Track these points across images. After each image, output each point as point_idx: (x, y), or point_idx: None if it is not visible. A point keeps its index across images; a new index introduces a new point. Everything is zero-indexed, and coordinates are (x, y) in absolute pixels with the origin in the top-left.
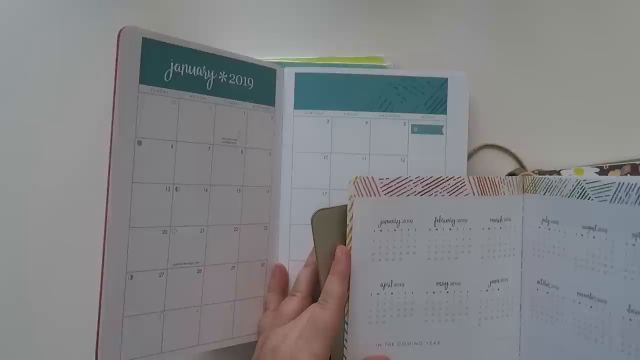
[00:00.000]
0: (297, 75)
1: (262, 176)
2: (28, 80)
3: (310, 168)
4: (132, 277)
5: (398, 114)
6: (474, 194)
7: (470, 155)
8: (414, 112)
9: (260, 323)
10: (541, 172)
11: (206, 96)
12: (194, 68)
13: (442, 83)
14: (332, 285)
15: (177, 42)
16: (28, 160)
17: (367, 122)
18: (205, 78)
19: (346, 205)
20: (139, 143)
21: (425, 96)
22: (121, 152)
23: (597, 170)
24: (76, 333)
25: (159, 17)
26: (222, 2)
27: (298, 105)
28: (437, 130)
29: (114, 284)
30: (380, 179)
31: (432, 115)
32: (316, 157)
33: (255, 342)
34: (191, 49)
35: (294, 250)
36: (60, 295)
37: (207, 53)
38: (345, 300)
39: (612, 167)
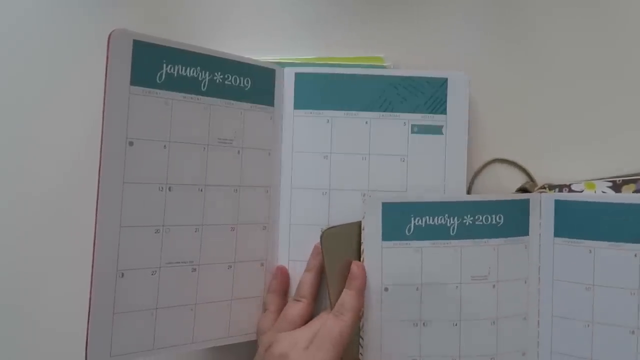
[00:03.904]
0: (297, 75)
1: (260, 176)
2: (20, 80)
3: (310, 168)
4: (122, 274)
5: (398, 114)
6: None
7: (479, 171)
8: (413, 112)
9: (260, 324)
10: (550, 187)
11: (201, 97)
12: (188, 69)
13: (442, 83)
14: (349, 299)
15: (170, 44)
16: (20, 160)
17: (367, 122)
18: (200, 79)
19: (356, 223)
20: (130, 144)
21: (425, 96)
22: (112, 153)
23: (610, 184)
24: (70, 333)
25: (157, 19)
26: (221, 2)
27: (298, 105)
28: (437, 130)
29: (104, 282)
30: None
31: (431, 115)
32: (316, 157)
33: (253, 342)
34: (184, 50)
35: (294, 251)
36: (55, 296)
37: (201, 54)
38: (360, 314)
39: (626, 182)
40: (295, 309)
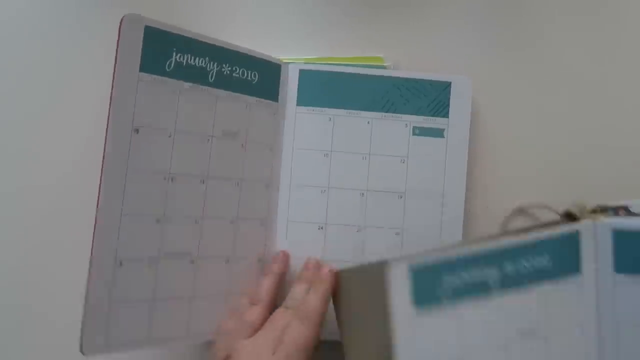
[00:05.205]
0: (301, 72)
1: (261, 171)
2: (28, 70)
3: (311, 165)
4: (121, 263)
5: (400, 115)
6: None
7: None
8: (416, 114)
9: (224, 324)
10: (602, 209)
11: (208, 88)
12: (197, 59)
13: (446, 87)
14: (318, 304)
15: (181, 32)
16: (26, 153)
17: (368, 122)
18: (208, 69)
19: (372, 266)
20: (136, 131)
21: (428, 99)
22: (117, 139)
23: None
24: (71, 330)
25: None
26: (223, 3)
27: (301, 102)
28: (438, 133)
29: (103, 270)
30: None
31: (433, 118)
32: (317, 155)
33: None
34: (195, 39)
35: (292, 247)
36: (57, 292)
37: (211, 44)
38: (324, 316)
39: None
40: (254, 313)
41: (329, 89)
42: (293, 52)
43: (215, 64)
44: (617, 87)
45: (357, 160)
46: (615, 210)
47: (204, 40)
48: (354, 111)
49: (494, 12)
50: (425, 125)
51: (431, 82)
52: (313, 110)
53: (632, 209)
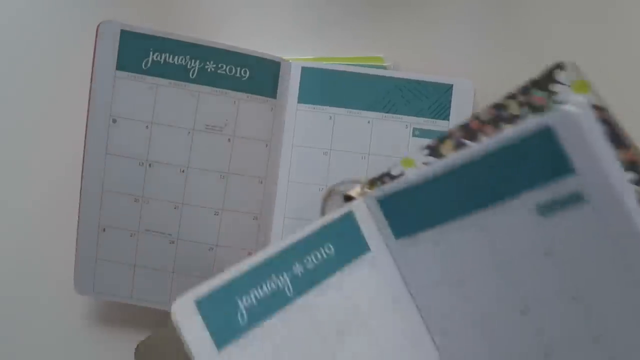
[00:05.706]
0: (303, 69)
1: (254, 166)
2: (15, 67)
3: (309, 163)
4: (104, 230)
5: (401, 116)
6: None
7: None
8: (416, 115)
9: None
10: (372, 182)
11: (188, 84)
12: (176, 57)
13: (447, 89)
14: None
15: (158, 33)
16: (21, 158)
17: (369, 122)
18: (189, 67)
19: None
20: (114, 121)
21: (429, 100)
22: (96, 127)
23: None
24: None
25: (157, 21)
26: (222, 4)
27: (302, 99)
28: (438, 135)
29: (88, 232)
30: None
31: (434, 120)
32: (316, 153)
33: None
34: (173, 39)
35: None
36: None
37: (191, 43)
38: None
39: (442, 139)
40: None
41: (330, 88)
42: (293, 52)
43: (198, 61)
44: (619, 88)
45: (356, 160)
46: (381, 180)
47: (182, 39)
48: (354, 110)
49: (494, 13)
50: (426, 127)
51: (433, 84)
52: (314, 108)
53: (392, 173)
